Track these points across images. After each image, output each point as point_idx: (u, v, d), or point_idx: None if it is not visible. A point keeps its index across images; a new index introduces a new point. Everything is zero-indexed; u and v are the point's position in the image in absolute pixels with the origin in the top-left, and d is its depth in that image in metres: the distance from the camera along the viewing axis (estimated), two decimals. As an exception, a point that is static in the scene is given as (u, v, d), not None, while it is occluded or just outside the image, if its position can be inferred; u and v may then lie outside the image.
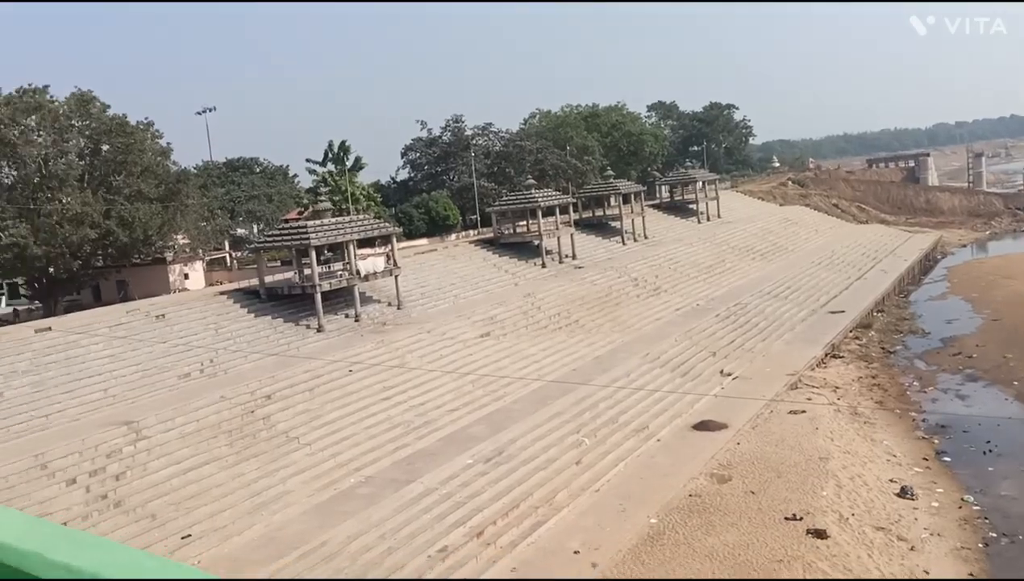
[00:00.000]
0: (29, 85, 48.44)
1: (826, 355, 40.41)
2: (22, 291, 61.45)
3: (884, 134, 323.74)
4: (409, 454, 26.43)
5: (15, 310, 54.99)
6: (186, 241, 55.49)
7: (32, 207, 46.30)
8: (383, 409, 29.14)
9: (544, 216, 52.45)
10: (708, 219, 73.34)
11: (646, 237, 62.17)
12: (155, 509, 21.86)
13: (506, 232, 54.78)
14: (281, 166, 79.28)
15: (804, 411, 30.56)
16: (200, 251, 57.92)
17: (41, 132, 47.71)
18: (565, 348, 37.60)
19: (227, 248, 66.49)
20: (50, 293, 49.79)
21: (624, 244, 59.75)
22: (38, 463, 22.80)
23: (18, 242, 43.78)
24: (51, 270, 48.03)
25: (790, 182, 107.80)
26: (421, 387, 31.26)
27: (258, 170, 78.10)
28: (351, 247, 38.23)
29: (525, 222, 55.07)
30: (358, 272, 38.12)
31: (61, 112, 47.91)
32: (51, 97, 48.63)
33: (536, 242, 52.56)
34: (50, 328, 31.79)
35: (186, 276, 56.53)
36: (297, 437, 26.48)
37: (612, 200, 63.58)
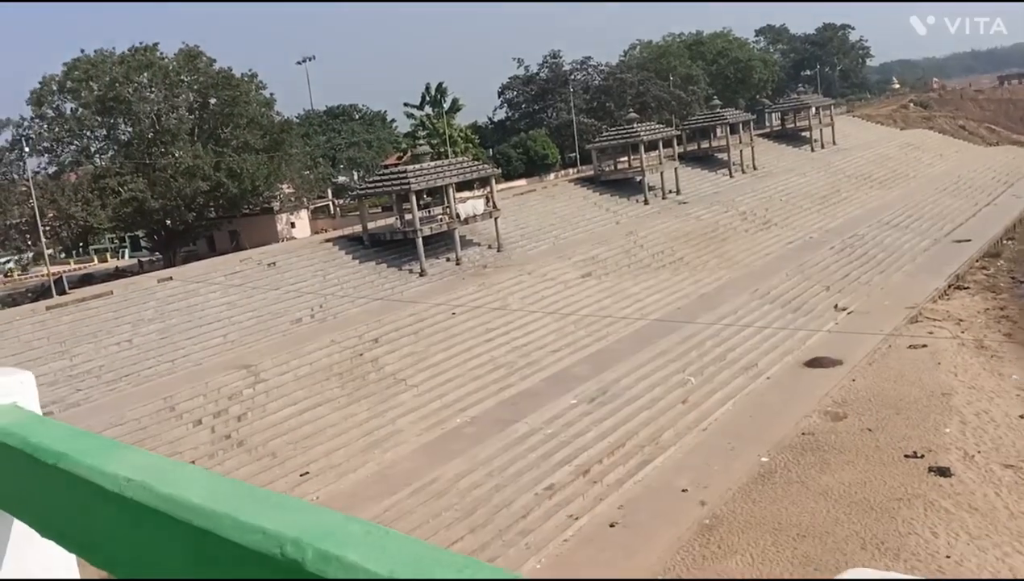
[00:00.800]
0: (140, 44, 50.73)
1: (949, 286, 38.42)
2: (143, 244, 65.39)
3: (1017, 49, 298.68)
4: (513, 394, 26.92)
5: (139, 261, 58.38)
6: (291, 190, 57.36)
7: (147, 162, 48.75)
8: (486, 350, 29.69)
9: (646, 150, 51.36)
10: (822, 147, 70.07)
11: (755, 168, 60.08)
12: (275, 448, 23.17)
13: (607, 169, 54.01)
14: (379, 112, 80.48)
15: (925, 345, 29.32)
16: (305, 200, 59.71)
17: (153, 88, 49.92)
18: (669, 286, 37.16)
19: (330, 196, 68.39)
20: (168, 244, 52.63)
21: (732, 177, 57.98)
22: (167, 406, 24.49)
23: (136, 196, 46.34)
24: (168, 222, 50.73)
25: (912, 104, 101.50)
26: (523, 328, 31.62)
27: (357, 117, 79.47)
28: (450, 190, 38.59)
29: (627, 158, 54.07)
30: (458, 215, 38.51)
31: (171, 68, 49.91)
32: (161, 54, 50.70)
33: (638, 178, 51.63)
34: (171, 278, 33.72)
35: (293, 225, 58.54)
36: (404, 379, 27.36)
37: (719, 131, 61.59)
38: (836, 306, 35.39)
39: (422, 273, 36.80)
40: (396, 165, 56.80)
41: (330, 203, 66.28)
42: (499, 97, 72.42)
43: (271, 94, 54.61)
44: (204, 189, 47.61)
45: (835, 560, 16.71)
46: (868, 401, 25.14)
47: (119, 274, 51.01)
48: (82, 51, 50.07)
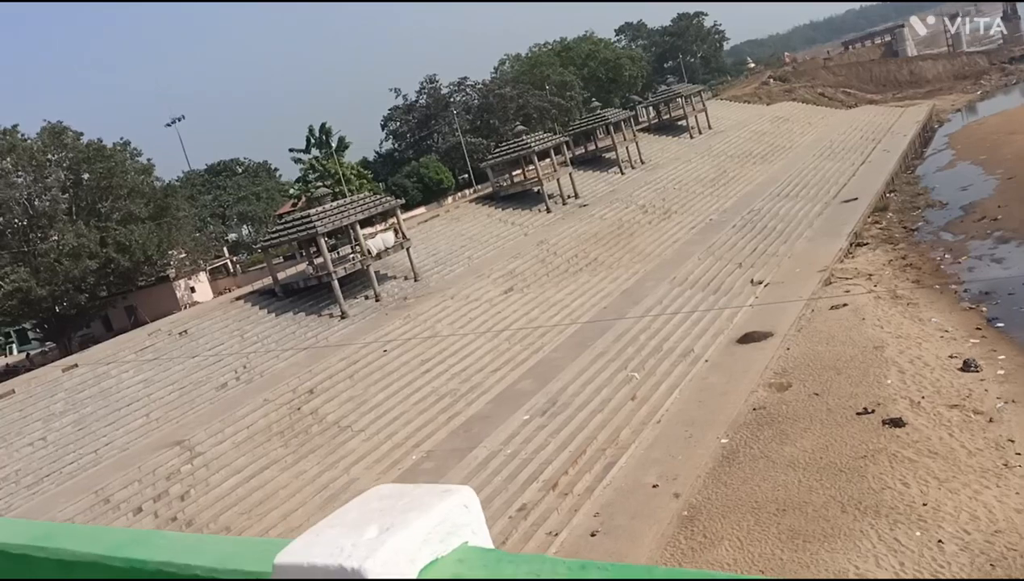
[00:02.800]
0: (-2, 127, 47.52)
1: (851, 245, 40.01)
2: (31, 335, 61.14)
3: (850, 15, 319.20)
4: (463, 421, 26.22)
5: (28, 355, 54.64)
6: (184, 255, 54.83)
7: (26, 249, 45.66)
8: (426, 382, 28.87)
9: (539, 160, 51.63)
10: (700, 133, 72.30)
11: (643, 162, 61.33)
12: (227, 522, 21.72)
13: (504, 184, 53.98)
14: (263, 162, 78.32)
15: (845, 304, 30.25)
16: (201, 262, 57.23)
17: (20, 172, 46.72)
18: (591, 288, 37.22)
19: (227, 254, 65.92)
20: (62, 332, 49.28)
21: (623, 173, 58.97)
22: (100, 498, 22.63)
23: (20, 286, 43.05)
24: (58, 308, 47.47)
25: (772, 80, 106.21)
26: (458, 354, 30.95)
27: (240, 171, 77.13)
28: (357, 228, 37.62)
29: (520, 170, 54.24)
30: (369, 252, 37.54)
31: (36, 148, 46.91)
32: (22, 136, 47.64)
33: (536, 189, 51.81)
34: (76, 365, 31.45)
35: (192, 289, 56.15)
36: (349, 425, 26.26)
37: (601, 132, 62.61)
38: (752, 281, 36.23)
39: (343, 315, 35.64)
40: (292, 212, 55.21)
41: (228, 262, 63.82)
42: (383, 129, 71.71)
43: (148, 160, 52.35)
44: (93, 267, 44.79)
45: (820, 529, 16.77)
46: (807, 367, 25.66)
47: (11, 372, 47.36)
48: (-68, 144, 46.32)
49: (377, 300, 37.36)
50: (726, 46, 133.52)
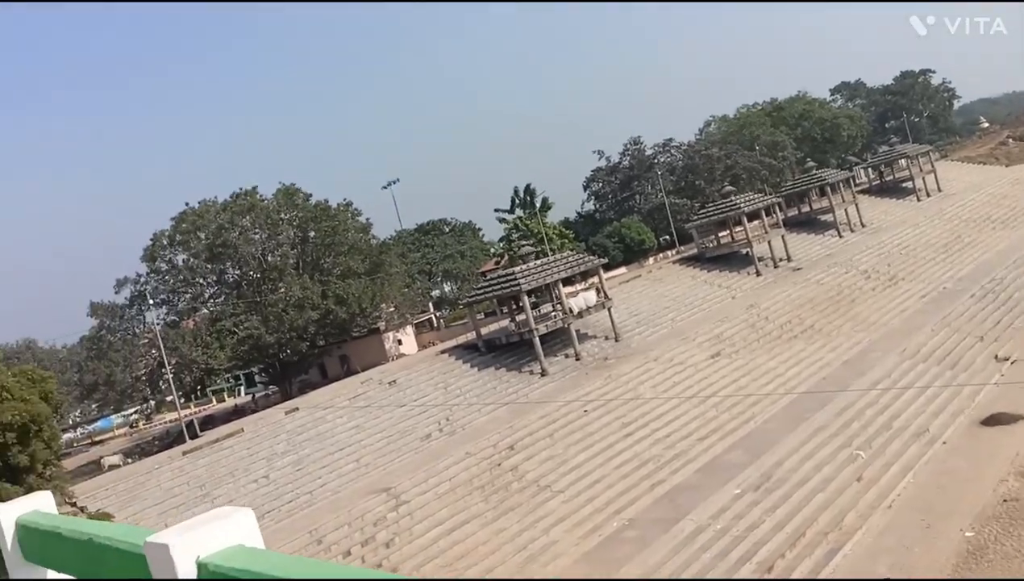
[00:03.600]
0: (240, 189, 53.03)
1: (1121, 320, 35.00)
2: (257, 379, 66.75)
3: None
4: (668, 490, 25.15)
5: (253, 397, 59.16)
6: (393, 308, 57.75)
7: (258, 300, 49.96)
8: (628, 446, 28.11)
9: (748, 221, 49.91)
10: (927, 195, 67.06)
11: (863, 225, 57.63)
12: (428, 573, 21.95)
13: (710, 245, 52.67)
14: (468, 222, 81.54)
15: (1119, 387, 26.26)
16: (408, 316, 60.02)
17: (256, 229, 51.57)
18: (807, 356, 34.99)
19: (431, 309, 68.88)
20: (284, 376, 53.30)
21: (841, 236, 55.67)
22: (313, 539, 23.72)
23: (252, 333, 47.20)
24: (282, 355, 51.48)
25: (1011, 140, 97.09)
26: (661, 418, 29.98)
27: (447, 230, 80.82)
28: (559, 286, 37.96)
29: (728, 231, 52.71)
30: (571, 310, 37.65)
31: (271, 208, 51.71)
32: (261, 196, 52.71)
33: (744, 250, 50.05)
34: (297, 408, 33.67)
35: (399, 342, 58.74)
36: (549, 485, 25.98)
37: (816, 193, 59.67)
38: (996, 357, 32.52)
39: (543, 373, 35.78)
40: (495, 270, 56.81)
41: (432, 316, 66.62)
42: (585, 190, 72.53)
43: (367, 219, 55.84)
44: (315, 318, 48.25)
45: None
46: (1073, 455, 22.37)
47: (238, 412, 51.75)
48: (187, 204, 52.12)
49: (577, 359, 37.23)
50: (956, 105, 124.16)
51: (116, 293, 49.83)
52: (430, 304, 68.81)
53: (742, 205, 49.81)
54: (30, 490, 3.40)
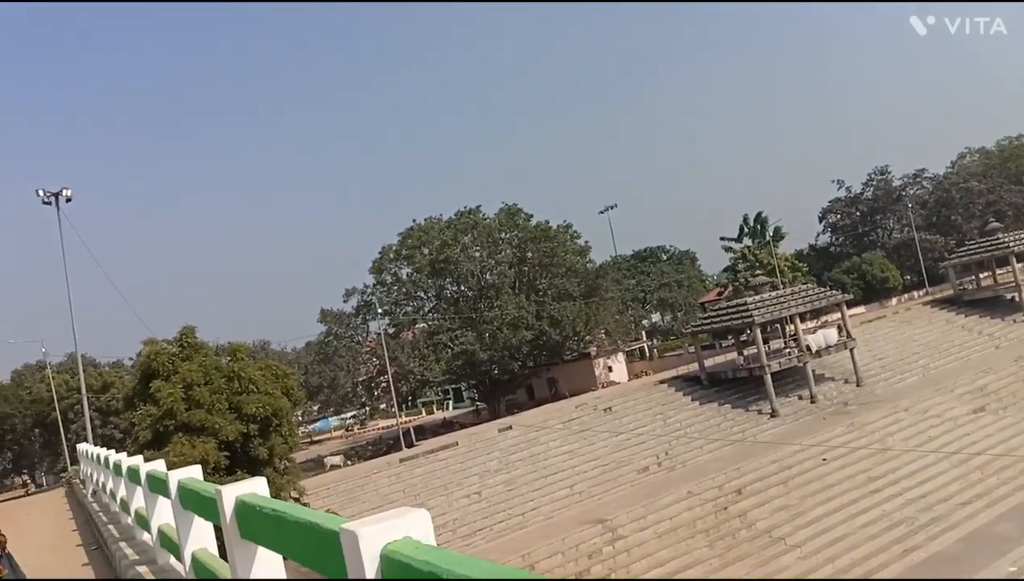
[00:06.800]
0: (465, 207, 54.85)
1: None
2: (465, 395, 68.46)
3: None
4: (924, 558, 22.31)
5: (477, 409, 59.59)
6: (604, 334, 56.98)
7: (474, 317, 51.00)
8: (875, 503, 25.37)
9: (1018, 261, 44.38)
10: None
11: None
12: (647, 617, 20.75)
13: (968, 287, 47.44)
14: (687, 251, 79.60)
15: None
16: (620, 343, 59.10)
17: (477, 247, 52.83)
18: (1099, 420, 30.19)
19: (643, 338, 67.48)
20: (493, 394, 54.07)
21: None
22: (526, 563, 23.20)
23: (467, 349, 48.27)
24: (494, 372, 52.16)
25: None
26: (914, 476, 26.87)
27: (664, 258, 79.28)
28: (796, 321, 35.47)
29: (990, 273, 47.26)
30: (808, 348, 35.03)
31: (493, 226, 52.85)
32: (483, 215, 54.15)
33: (1011, 295, 44.61)
34: (511, 427, 33.65)
35: (610, 368, 57.91)
36: (782, 537, 23.91)
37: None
38: None
39: (774, 413, 33.48)
40: (717, 300, 54.59)
41: (644, 345, 65.23)
42: (820, 222, 68.27)
43: (586, 242, 55.61)
44: (528, 338, 48.56)
45: None
46: None
47: (447, 425, 53.14)
48: (414, 221, 54.67)
49: (812, 402, 34.53)
50: None
51: (344, 301, 53.07)
52: (642, 332, 67.51)
53: (1011, 244, 44.35)
54: (267, 482, 3.23)
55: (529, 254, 54.09)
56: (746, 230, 59.39)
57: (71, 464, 36.97)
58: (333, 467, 38.04)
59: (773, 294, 37.17)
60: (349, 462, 39.92)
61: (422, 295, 54.69)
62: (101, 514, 11.96)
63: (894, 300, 54.27)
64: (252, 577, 3.12)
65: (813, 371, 35.70)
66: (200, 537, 4.55)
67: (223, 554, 3.52)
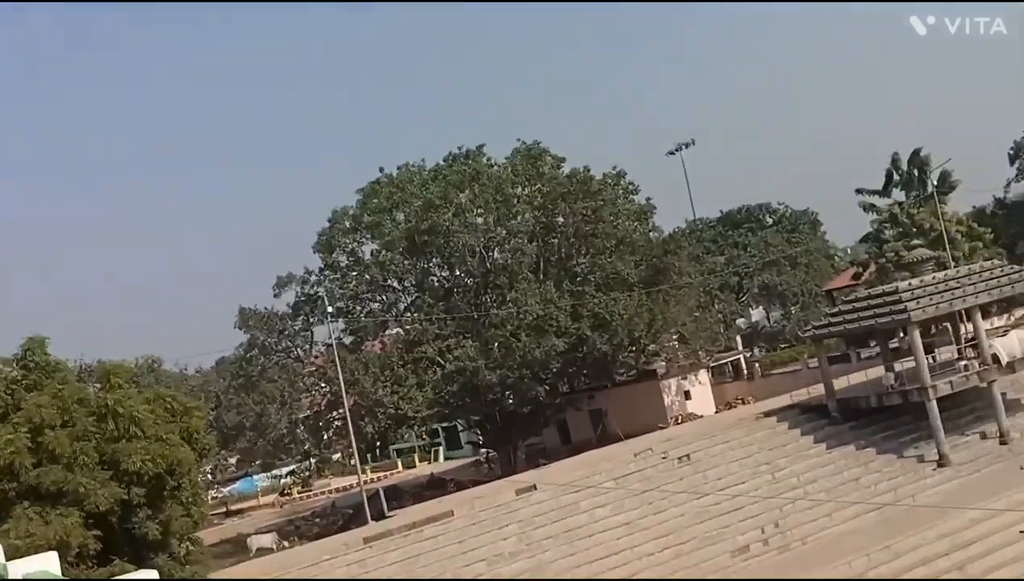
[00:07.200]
0: (460, 148, 53.91)
1: None
2: (465, 439, 68.23)
3: None
4: None
5: (482, 459, 59.26)
6: (677, 340, 56.06)
7: (476, 315, 50.17)
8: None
9: None
10: None
11: None
12: None
13: None
14: (805, 211, 79.47)
15: None
16: (702, 354, 58.27)
17: (480, 209, 51.72)
18: None
19: (739, 345, 67.05)
20: (507, 435, 53.48)
21: None
22: None
23: (466, 366, 47.44)
24: (508, 402, 51.49)
25: None
26: None
27: (770, 222, 79.20)
28: (977, 318, 35.68)
29: None
30: (995, 358, 35.19)
31: (504, 177, 51.98)
32: (488, 160, 53.25)
33: None
34: (534, 487, 33.72)
35: (687, 394, 57.49)
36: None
37: None
38: None
39: (941, 460, 33.98)
40: (853, 286, 54.48)
41: (739, 357, 64.83)
42: (1011, 163, 67.74)
43: (648, 199, 54.95)
44: (559, 348, 47.64)
45: None
46: None
47: (437, 484, 53.15)
48: (381, 170, 53.53)
49: (1003, 442, 34.90)
50: None
51: (275, 296, 51.83)
52: (737, 338, 67.31)
53: None
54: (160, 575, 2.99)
55: (560, 219, 53.25)
56: (897, 178, 59.32)
57: None
58: (261, 551, 38.15)
59: (940, 276, 37.41)
60: (286, 543, 40.05)
61: (395, 285, 54.24)
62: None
63: None
64: None
65: (1003, 395, 35.98)
66: None
67: None
